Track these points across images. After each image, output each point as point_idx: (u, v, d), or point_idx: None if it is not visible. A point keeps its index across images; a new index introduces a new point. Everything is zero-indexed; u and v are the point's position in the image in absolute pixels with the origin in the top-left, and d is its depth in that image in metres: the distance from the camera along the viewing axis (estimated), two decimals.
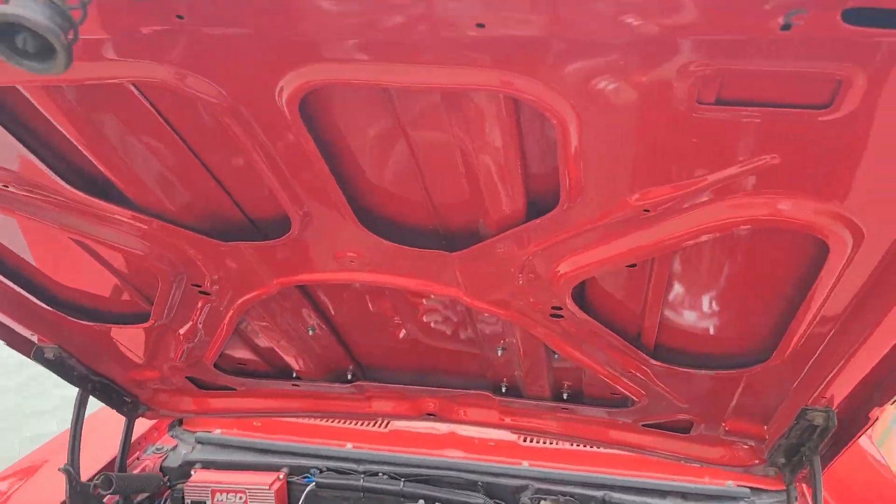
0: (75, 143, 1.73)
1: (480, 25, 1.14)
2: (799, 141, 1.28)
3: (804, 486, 2.91)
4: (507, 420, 3.01)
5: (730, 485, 3.24)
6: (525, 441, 3.50)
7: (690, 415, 2.61)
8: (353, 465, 3.43)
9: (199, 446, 3.65)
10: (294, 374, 3.03)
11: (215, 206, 1.98)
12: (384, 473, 3.39)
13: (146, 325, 2.58)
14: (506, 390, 2.85)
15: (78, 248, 2.29)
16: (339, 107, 1.57)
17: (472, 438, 3.50)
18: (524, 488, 3.28)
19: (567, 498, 3.20)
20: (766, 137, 1.29)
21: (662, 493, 3.20)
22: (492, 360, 2.68)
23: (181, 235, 2.02)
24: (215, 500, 3.40)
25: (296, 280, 2.21)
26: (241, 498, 3.39)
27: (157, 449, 3.63)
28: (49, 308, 2.52)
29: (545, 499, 3.21)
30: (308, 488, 3.39)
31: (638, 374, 2.37)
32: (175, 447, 3.66)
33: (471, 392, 2.89)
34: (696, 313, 2.04)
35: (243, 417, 3.38)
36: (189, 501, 3.42)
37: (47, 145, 1.77)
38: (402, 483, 3.34)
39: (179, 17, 1.22)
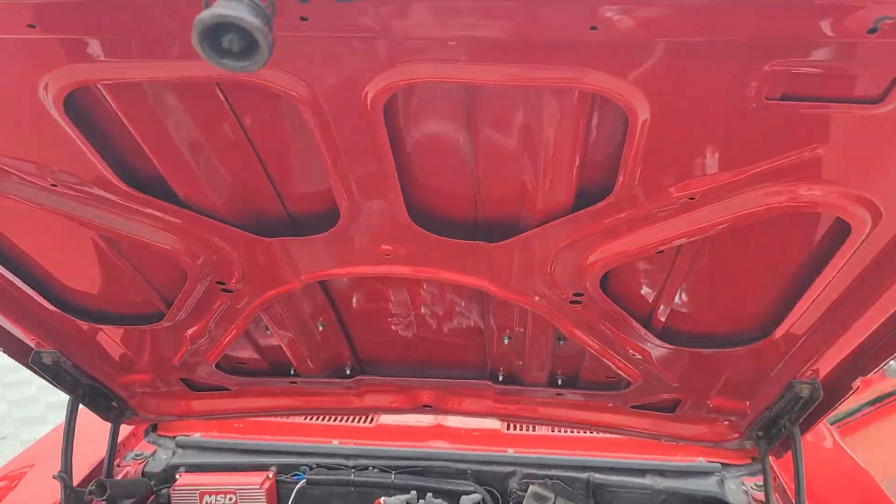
0: (140, 140, 1.76)
1: (594, 28, 1.27)
2: (845, 132, 1.47)
3: (771, 458, 3.14)
4: (502, 408, 3.14)
5: (700, 461, 3.48)
6: (509, 429, 3.65)
7: (679, 394, 2.81)
8: (343, 461, 3.49)
9: (180, 450, 3.62)
10: (292, 372, 3.07)
11: (258, 202, 2.03)
12: (374, 467, 3.47)
13: (157, 325, 2.58)
14: (503, 379, 2.98)
15: (97, 250, 2.28)
16: (414, 105, 1.67)
17: (458, 429, 3.62)
18: (512, 474, 3.42)
19: (555, 481, 3.36)
20: (818, 129, 1.48)
21: (642, 472, 3.40)
22: (495, 350, 2.80)
23: (223, 232, 2.06)
24: (204, 502, 3.40)
25: (325, 275, 2.28)
26: (231, 499, 3.40)
27: (137, 455, 3.59)
28: (57, 311, 2.49)
29: (533, 483, 3.36)
30: (299, 485, 3.43)
31: (637, 356, 2.54)
32: (154, 452, 3.62)
33: (469, 382, 3.01)
34: (709, 295, 2.23)
35: (235, 418, 3.39)
36: None
37: (109, 144, 1.79)
38: (392, 475, 3.42)
39: (304, 18, 1.29)
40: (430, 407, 3.16)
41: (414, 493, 3.33)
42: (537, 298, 2.27)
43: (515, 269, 2.15)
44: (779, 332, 2.24)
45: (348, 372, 3.05)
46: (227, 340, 2.73)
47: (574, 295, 2.23)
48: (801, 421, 2.63)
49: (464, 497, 3.30)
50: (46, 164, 1.83)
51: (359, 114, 1.58)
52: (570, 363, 2.84)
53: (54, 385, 2.85)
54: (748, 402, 2.76)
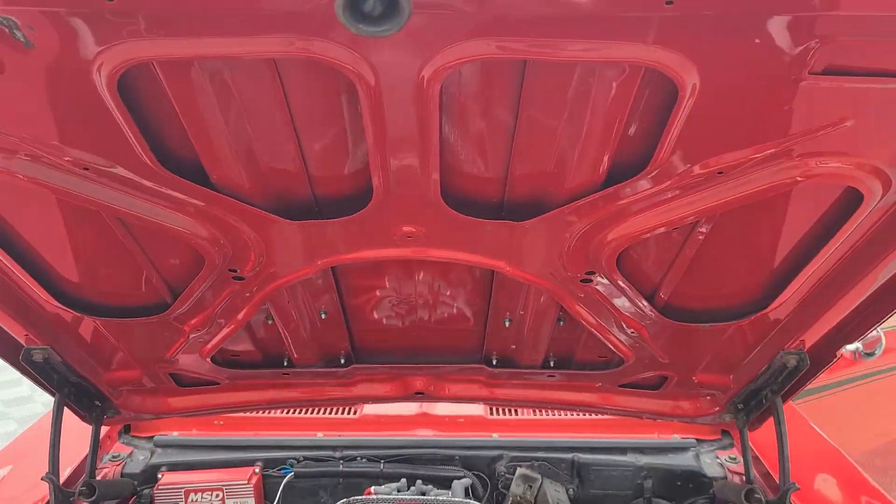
0: (183, 120, 1.75)
1: (669, 3, 1.34)
2: (879, 105, 1.60)
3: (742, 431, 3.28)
4: (494, 392, 3.21)
5: (675, 437, 3.64)
6: (493, 414, 3.73)
7: (668, 371, 2.94)
8: (330, 453, 3.49)
9: (159, 450, 3.55)
10: (285, 363, 3.06)
11: (287, 185, 2.03)
12: (362, 457, 3.48)
13: (160, 317, 2.53)
14: (497, 363, 3.06)
15: (109, 238, 2.23)
16: (466, 84, 1.71)
17: (443, 416, 3.68)
18: (499, 458, 3.50)
19: (541, 462, 3.45)
20: (853, 103, 1.60)
21: (623, 450, 3.54)
22: (493, 333, 2.87)
23: (249, 215, 2.05)
24: (189, 500, 3.34)
25: (342, 259, 2.30)
26: (218, 496, 3.35)
27: (114, 457, 3.50)
28: (55, 304, 2.42)
29: (521, 465, 3.44)
30: (286, 479, 3.41)
31: (635, 333, 2.65)
32: (131, 454, 3.53)
33: (463, 367, 3.07)
34: (715, 270, 2.35)
35: (222, 413, 3.34)
36: None
37: (149, 126, 1.77)
38: (381, 464, 3.45)
39: None
40: (423, 394, 3.20)
41: (404, 480, 3.36)
42: (550, 277, 2.34)
43: (534, 249, 2.22)
44: (776, 305, 2.37)
45: (342, 361, 3.06)
46: (227, 332, 2.71)
47: (586, 273, 2.32)
48: (783, 391, 2.80)
49: (455, 482, 3.35)
50: (84, 147, 1.79)
51: (414, 93, 1.62)
52: (566, 344, 2.94)
53: (40, 383, 2.76)
54: (732, 376, 2.91)
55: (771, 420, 2.84)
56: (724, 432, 3.69)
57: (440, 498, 3.03)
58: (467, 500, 2.88)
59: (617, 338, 2.70)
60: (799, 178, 1.82)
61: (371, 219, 2.08)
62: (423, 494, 3.23)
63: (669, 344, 2.71)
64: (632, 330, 2.63)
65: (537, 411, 3.77)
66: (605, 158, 1.87)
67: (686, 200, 1.95)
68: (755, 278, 2.36)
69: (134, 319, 2.57)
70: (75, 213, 2.12)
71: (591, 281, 2.36)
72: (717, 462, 3.51)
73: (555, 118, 1.77)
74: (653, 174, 1.84)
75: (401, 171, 1.88)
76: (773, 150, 1.73)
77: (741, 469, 3.42)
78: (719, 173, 1.83)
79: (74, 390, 2.90)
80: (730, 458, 3.52)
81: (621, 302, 2.46)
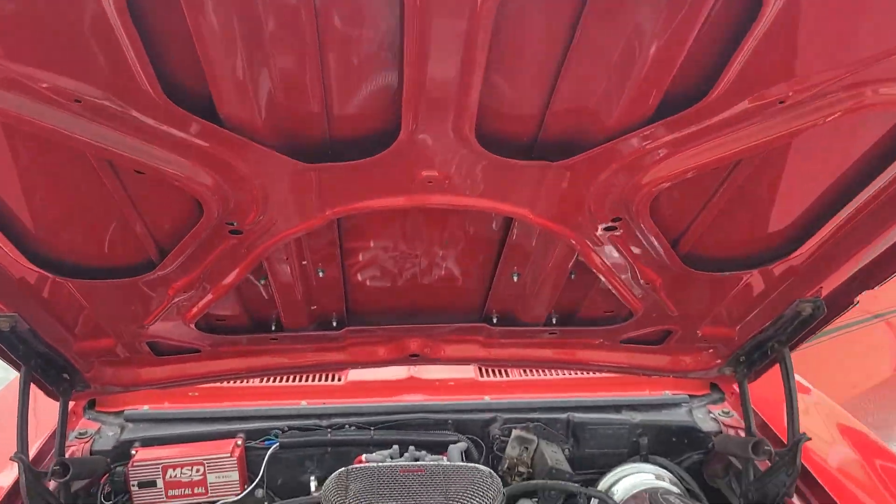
0: (195, 41, 1.53)
1: None
2: None
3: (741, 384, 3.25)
4: (491, 353, 3.08)
5: (667, 394, 3.60)
6: (483, 376, 3.60)
7: (674, 325, 2.86)
8: (316, 421, 3.32)
9: (130, 425, 3.32)
10: (273, 327, 2.86)
11: (303, 124, 1.83)
12: (350, 425, 3.32)
13: (144, 277, 2.31)
14: (497, 321, 2.92)
15: (94, 189, 2.00)
16: (522, 4, 1.55)
17: (433, 380, 3.53)
18: (493, 421, 3.39)
19: (537, 424, 3.36)
20: None
21: (617, 408, 3.47)
22: (499, 289, 2.73)
23: (259, 156, 1.84)
24: (167, 476, 3.13)
25: (353, 209, 2.11)
26: (198, 470, 3.15)
27: (81, 434, 3.25)
28: (27, 265, 2.16)
29: (515, 427, 3.34)
30: (271, 450, 3.23)
31: (648, 285, 2.55)
32: (99, 430, 3.29)
33: (462, 326, 2.92)
34: (747, 214, 2.25)
35: (202, 383, 3.11)
36: (135, 483, 3.11)
37: (156, 53, 1.55)
38: (371, 431, 3.29)
39: None
40: (418, 356, 3.04)
41: (396, 447, 3.22)
42: (574, 225, 2.21)
43: (562, 193, 2.07)
44: (801, 251, 2.30)
45: (334, 324, 2.88)
46: (215, 295, 2.50)
47: (612, 220, 2.19)
48: (792, 341, 2.75)
49: (451, 446, 3.22)
50: (78, 75, 1.55)
51: (467, 8, 1.45)
52: (572, 300, 2.82)
53: (5, 355, 2.50)
54: (738, 328, 2.85)
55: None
56: (714, 386, 3.67)
57: (443, 462, 2.90)
58: (477, 465, 2.75)
59: (630, 290, 2.59)
60: (860, 107, 1.72)
61: (392, 161, 1.90)
62: (417, 461, 3.09)
63: (683, 295, 2.62)
64: (646, 281, 2.52)
65: (528, 372, 3.67)
66: (659, 88, 1.72)
67: (738, 135, 1.82)
68: (784, 223, 2.27)
69: (115, 281, 2.33)
70: (56, 156, 1.88)
71: (616, 228, 2.23)
72: (710, 417, 3.48)
73: (616, 37, 1.60)
74: (709, 104, 1.71)
75: (436, 103, 1.71)
76: (844, 75, 1.62)
77: (735, 423, 3.42)
78: (780, 102, 1.71)
79: (42, 362, 2.65)
80: (723, 412, 3.49)
81: (642, 250, 2.34)
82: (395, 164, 1.92)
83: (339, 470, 2.75)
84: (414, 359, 3.05)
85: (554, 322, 2.93)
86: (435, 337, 3.00)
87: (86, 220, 2.14)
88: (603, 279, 2.53)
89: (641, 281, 2.53)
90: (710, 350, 3.06)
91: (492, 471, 2.73)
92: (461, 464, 2.90)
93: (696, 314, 2.77)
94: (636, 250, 2.34)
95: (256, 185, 1.95)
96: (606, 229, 2.24)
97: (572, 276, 2.63)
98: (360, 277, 2.67)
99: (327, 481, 2.72)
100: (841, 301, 2.55)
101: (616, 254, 2.37)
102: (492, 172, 1.98)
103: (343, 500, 2.56)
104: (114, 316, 2.57)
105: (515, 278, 2.65)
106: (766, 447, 2.79)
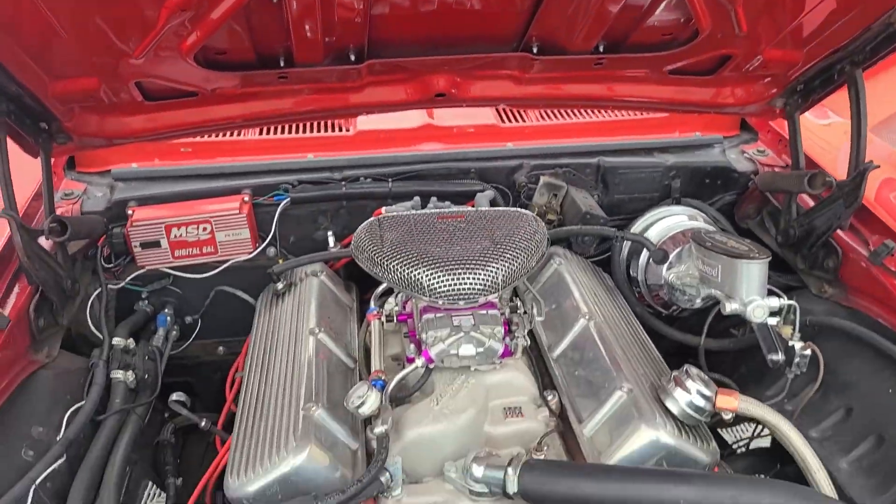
0: None
1: None
2: None
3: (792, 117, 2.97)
4: (525, 91, 2.73)
5: (697, 135, 3.37)
6: (505, 122, 3.30)
7: (735, 48, 2.53)
8: (329, 174, 3.03)
9: (120, 184, 2.99)
10: (282, 63, 2.46)
11: None
12: (365, 177, 3.05)
13: None
14: (537, 50, 2.56)
15: None
16: None
17: (450, 127, 3.22)
18: (519, 168, 3.14)
19: (566, 169, 3.13)
20: None
21: (649, 151, 3.26)
22: (547, 8, 2.33)
23: None
24: (172, 236, 2.87)
25: None
26: (205, 229, 2.90)
27: (67, 195, 2.92)
28: None
29: (543, 173, 3.11)
30: (282, 205, 2.97)
31: None
32: (86, 190, 2.96)
33: (498, 56, 2.55)
34: None
35: (197, 133, 2.74)
36: (137, 244, 2.86)
37: None
38: (390, 183, 3.03)
39: None
40: (444, 95, 2.69)
41: (417, 199, 2.98)
42: None
43: None
44: None
45: (352, 58, 2.48)
46: (222, 15, 2.07)
47: None
48: (868, 62, 2.48)
49: (479, 195, 3.00)
50: None
51: None
52: (631, 18, 2.43)
53: None
54: (807, 49, 2.55)
55: None
56: (744, 126, 3.46)
57: (482, 208, 2.68)
58: (519, 209, 2.52)
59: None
60: None
61: None
62: None
63: (761, 4, 2.27)
64: None
65: (552, 115, 3.37)
66: None
67: None
68: None
69: None
70: None
71: None
72: (744, 157, 3.29)
73: None
74: None
75: None
76: None
77: (772, 161, 3.24)
78: None
79: (15, 108, 2.25)
80: (758, 150, 3.31)
81: None
82: None
83: (370, 219, 2.51)
84: (439, 98, 2.70)
85: (601, 50, 2.58)
86: (465, 72, 2.64)
87: None
88: None
89: None
90: (767, 79, 2.78)
91: (535, 215, 2.52)
92: (503, 208, 2.68)
93: (766, 32, 2.44)
94: None
95: None
96: None
97: None
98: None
99: (357, 232, 2.47)
100: None
101: None
102: None
103: (380, 250, 2.33)
104: (96, 46, 2.14)
105: None
106: (826, 178, 2.62)
